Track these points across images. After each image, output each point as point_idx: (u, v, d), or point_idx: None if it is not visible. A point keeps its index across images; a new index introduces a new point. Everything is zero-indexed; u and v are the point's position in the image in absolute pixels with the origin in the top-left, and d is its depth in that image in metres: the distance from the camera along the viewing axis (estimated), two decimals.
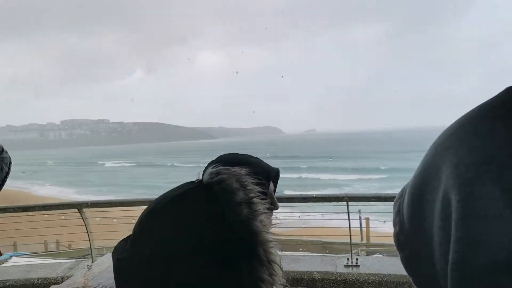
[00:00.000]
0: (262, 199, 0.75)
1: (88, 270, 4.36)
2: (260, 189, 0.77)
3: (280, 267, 0.73)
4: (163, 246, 0.71)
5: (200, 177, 0.81)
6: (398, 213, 0.55)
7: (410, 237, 0.52)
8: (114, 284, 2.62)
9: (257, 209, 0.73)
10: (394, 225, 0.56)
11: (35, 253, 13.59)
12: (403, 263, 0.56)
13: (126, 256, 0.76)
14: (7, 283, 4.91)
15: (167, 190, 0.80)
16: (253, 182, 0.76)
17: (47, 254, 12.71)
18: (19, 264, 6.29)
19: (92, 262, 5.09)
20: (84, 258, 6.60)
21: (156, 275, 0.71)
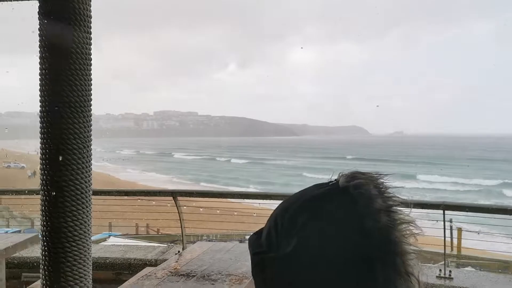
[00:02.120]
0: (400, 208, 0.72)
1: (180, 256, 4.56)
2: (399, 197, 0.74)
3: (418, 280, 0.70)
4: (303, 245, 0.71)
5: (333, 179, 0.79)
6: None
7: None
8: (205, 272, 2.69)
9: (397, 218, 0.70)
10: None
11: (126, 234, 14.57)
12: None
13: (263, 251, 0.76)
14: (107, 260, 5.30)
15: (301, 189, 0.80)
16: (390, 189, 0.73)
17: (139, 236, 13.56)
18: (117, 244, 6.78)
19: (183, 249, 5.32)
20: (174, 244, 6.93)
21: (295, 272, 0.71)
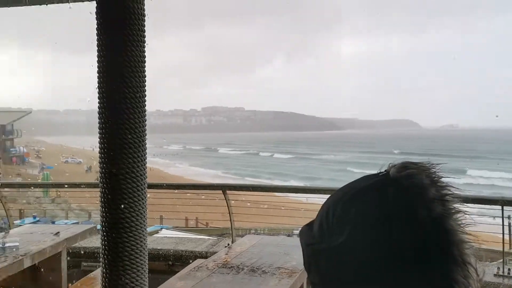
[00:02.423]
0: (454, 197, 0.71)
1: (229, 248, 4.64)
2: (453, 186, 0.72)
3: (475, 269, 0.68)
4: (356, 235, 0.71)
5: (382, 170, 0.78)
6: None
7: None
8: (255, 265, 2.72)
9: (451, 207, 0.69)
10: None
11: (177, 227, 14.96)
12: None
13: (315, 242, 0.77)
14: (160, 252, 5.48)
15: (351, 181, 0.80)
16: (443, 178, 0.72)
17: (188, 229, 13.89)
18: (169, 236, 6.99)
19: (232, 242, 5.40)
20: (223, 237, 7.05)
21: (349, 263, 0.71)
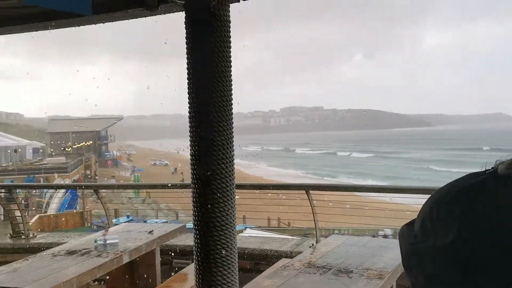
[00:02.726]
0: None
1: (314, 249, 4.63)
2: None
3: None
4: (465, 235, 0.69)
5: (488, 168, 0.75)
6: None
7: None
8: (341, 265, 2.69)
9: None
10: None
11: (259, 227, 15.19)
12: None
13: (418, 241, 0.76)
14: (246, 251, 5.60)
15: (454, 179, 0.78)
16: None
17: (271, 229, 14.06)
18: (253, 235, 7.13)
19: (317, 242, 5.39)
20: (307, 237, 7.05)
21: (457, 263, 0.69)
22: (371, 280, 3.34)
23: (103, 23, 2.52)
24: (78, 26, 2.61)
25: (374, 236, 9.54)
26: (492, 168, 0.75)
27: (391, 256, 3.86)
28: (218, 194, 2.37)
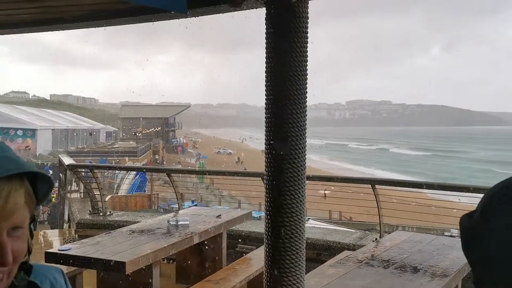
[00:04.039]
0: None
1: (377, 243, 4.64)
2: None
3: None
4: None
5: None
6: None
7: None
8: (405, 261, 2.73)
9: None
10: None
11: (322, 219, 15.19)
12: None
13: (480, 224, 0.78)
14: (309, 241, 5.70)
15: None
16: None
17: (333, 222, 14.04)
18: (317, 226, 7.21)
19: (380, 237, 5.38)
20: (369, 231, 7.02)
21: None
22: (434, 278, 3.33)
23: (196, 16, 2.72)
24: (176, 19, 2.84)
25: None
26: None
27: (457, 255, 3.80)
28: (290, 183, 2.50)
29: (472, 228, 0.80)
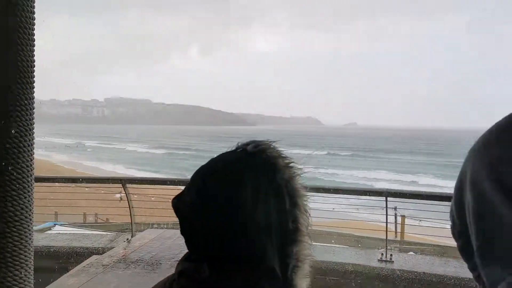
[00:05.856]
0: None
1: (128, 243, 4.53)
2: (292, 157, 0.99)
3: (309, 214, 0.96)
4: (232, 193, 0.90)
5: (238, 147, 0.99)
6: (451, 211, 0.69)
7: (460, 231, 0.66)
8: (154, 259, 2.71)
9: (295, 171, 0.96)
10: (451, 221, 0.71)
11: (74, 223, 14.14)
12: (459, 251, 0.69)
13: (191, 210, 0.94)
14: (52, 249, 5.16)
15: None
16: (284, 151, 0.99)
17: (87, 225, 13.21)
18: (63, 232, 6.59)
19: (132, 236, 5.28)
20: (123, 232, 6.83)
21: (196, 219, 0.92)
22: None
23: None
24: None
25: None
26: (241, 148, 0.99)
27: None
28: (12, 186, 2.13)
29: (194, 205, 0.93)
